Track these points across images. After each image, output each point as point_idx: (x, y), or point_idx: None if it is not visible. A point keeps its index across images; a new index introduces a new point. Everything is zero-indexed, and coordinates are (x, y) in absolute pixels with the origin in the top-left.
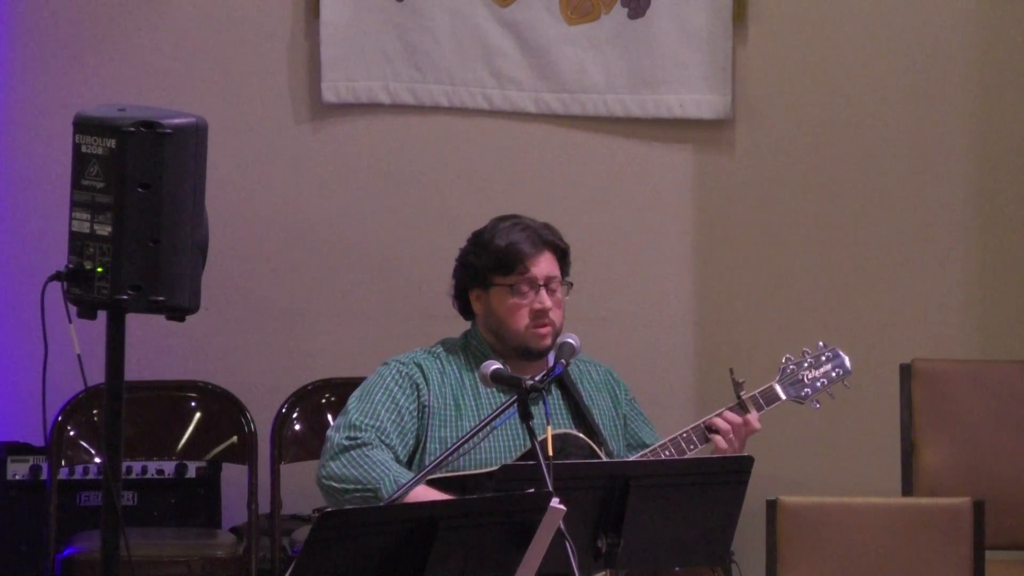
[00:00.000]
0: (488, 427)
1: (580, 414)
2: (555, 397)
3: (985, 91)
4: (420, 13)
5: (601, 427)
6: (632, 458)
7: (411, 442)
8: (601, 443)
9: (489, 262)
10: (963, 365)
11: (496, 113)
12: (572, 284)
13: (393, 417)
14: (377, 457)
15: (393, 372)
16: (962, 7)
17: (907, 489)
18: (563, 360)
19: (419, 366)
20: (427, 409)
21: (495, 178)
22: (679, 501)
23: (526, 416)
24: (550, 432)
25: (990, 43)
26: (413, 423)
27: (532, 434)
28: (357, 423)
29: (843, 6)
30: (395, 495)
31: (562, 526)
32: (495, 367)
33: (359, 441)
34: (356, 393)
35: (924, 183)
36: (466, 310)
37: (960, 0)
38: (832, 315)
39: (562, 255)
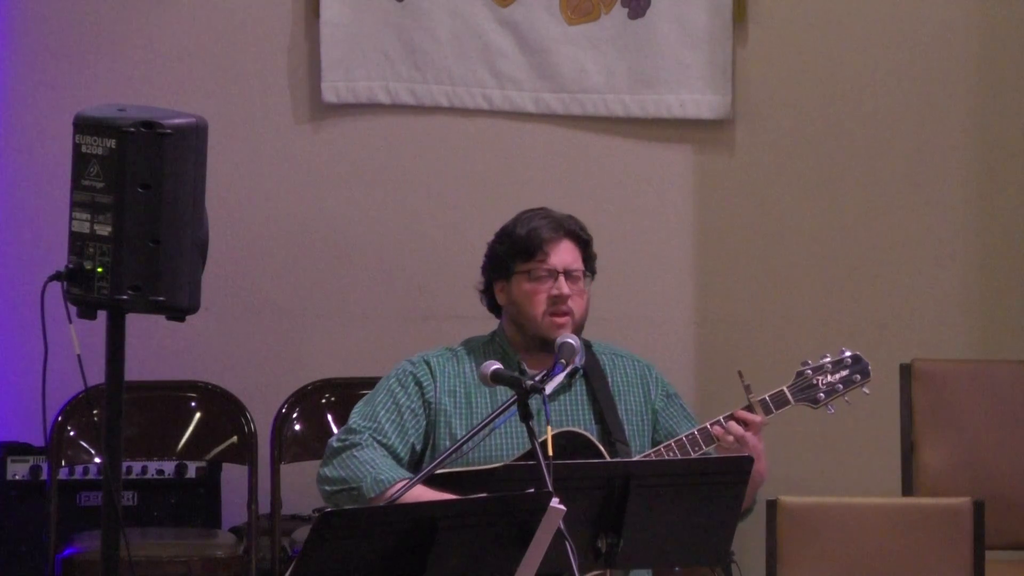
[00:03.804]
0: (489, 427)
1: (601, 410)
2: (578, 391)
3: (985, 91)
4: (420, 13)
5: (625, 423)
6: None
7: (416, 439)
8: (614, 441)
9: (510, 250)
10: (963, 365)
11: (496, 113)
12: (594, 274)
13: (392, 416)
14: (364, 456)
15: (399, 371)
16: (962, 7)
17: (907, 489)
18: (563, 360)
19: (427, 363)
20: (433, 406)
21: (495, 178)
22: (679, 501)
23: (526, 416)
24: (550, 432)
25: (990, 43)
26: (416, 420)
27: (532, 434)
28: (353, 426)
29: (843, 6)
30: (387, 493)
31: (562, 526)
32: (495, 367)
33: (349, 443)
34: (364, 397)
35: (924, 183)
36: (494, 306)
37: (960, 0)
38: (832, 315)
39: (584, 246)
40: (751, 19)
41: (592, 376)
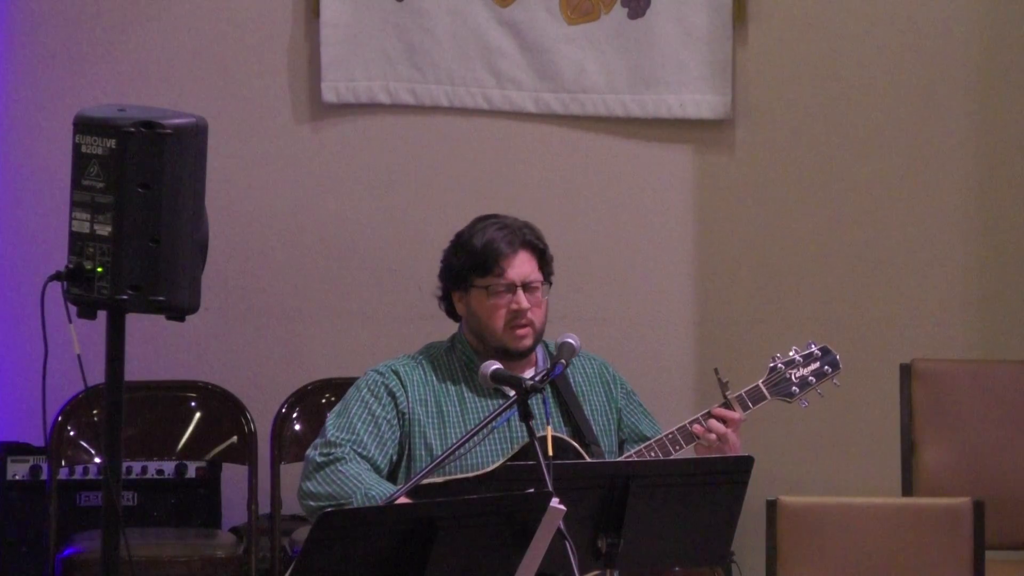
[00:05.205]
0: (487, 428)
1: (569, 411)
2: (545, 393)
3: (985, 91)
4: (420, 13)
5: (592, 423)
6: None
7: (392, 450)
8: (589, 442)
9: (467, 263)
10: (963, 365)
11: (496, 113)
12: (552, 283)
13: (370, 428)
14: (350, 471)
15: (369, 382)
16: (962, 7)
17: (907, 489)
18: (563, 360)
19: (396, 373)
20: (407, 416)
21: (495, 178)
22: (679, 501)
23: (526, 416)
24: (550, 432)
25: (990, 43)
26: (393, 431)
27: (532, 433)
28: (333, 439)
29: (843, 7)
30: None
31: (562, 526)
32: (495, 367)
33: (332, 457)
34: (335, 408)
35: (924, 183)
36: (452, 312)
37: (960, 0)
38: (832, 315)
39: (540, 255)
40: (751, 19)
41: (557, 378)
